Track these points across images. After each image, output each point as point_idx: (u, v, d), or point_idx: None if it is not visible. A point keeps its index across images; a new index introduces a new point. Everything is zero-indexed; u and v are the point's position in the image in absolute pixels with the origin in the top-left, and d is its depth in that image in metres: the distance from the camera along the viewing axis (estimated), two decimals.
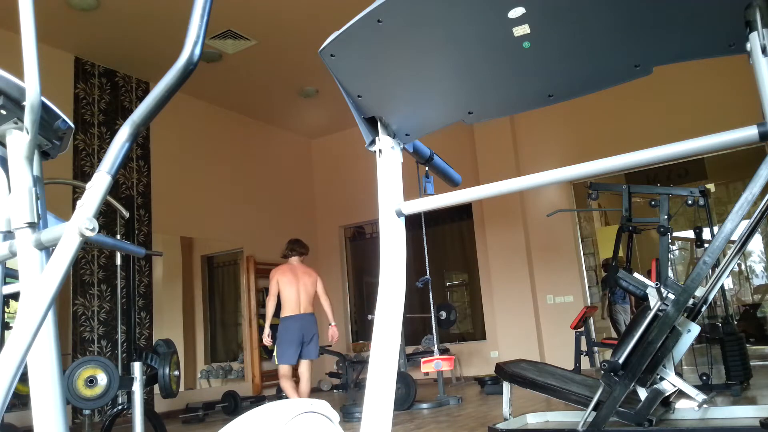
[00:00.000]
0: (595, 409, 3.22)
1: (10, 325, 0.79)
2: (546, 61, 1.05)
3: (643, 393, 3.21)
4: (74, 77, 6.31)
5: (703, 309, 3.38)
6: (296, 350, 4.82)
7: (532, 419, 3.99)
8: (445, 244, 9.04)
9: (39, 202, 0.80)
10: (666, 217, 4.55)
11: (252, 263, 7.94)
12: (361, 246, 9.35)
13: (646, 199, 5.13)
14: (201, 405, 6.38)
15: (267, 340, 4.91)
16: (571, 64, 1.06)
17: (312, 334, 4.92)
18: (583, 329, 6.07)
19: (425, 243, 5.27)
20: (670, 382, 3.21)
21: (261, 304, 8.06)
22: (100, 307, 6.08)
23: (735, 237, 2.97)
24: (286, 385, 4.83)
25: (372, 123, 1.22)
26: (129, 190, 6.63)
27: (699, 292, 3.28)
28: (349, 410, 5.32)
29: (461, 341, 8.48)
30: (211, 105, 7.87)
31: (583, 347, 6.06)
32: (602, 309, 8.26)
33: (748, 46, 0.88)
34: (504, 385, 3.78)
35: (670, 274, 4.62)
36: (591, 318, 6.69)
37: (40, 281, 0.67)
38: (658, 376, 3.21)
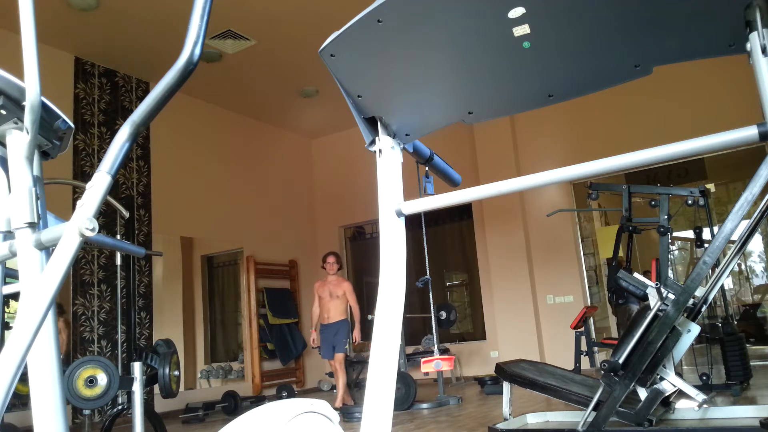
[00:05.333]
0: (595, 409, 3.22)
1: (10, 325, 0.79)
2: (546, 61, 1.05)
3: (643, 393, 3.20)
4: (74, 77, 6.30)
5: (703, 309, 3.38)
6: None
7: (532, 419, 3.99)
8: (445, 244, 9.03)
9: (39, 202, 0.80)
10: (666, 217, 4.55)
11: (252, 263, 7.94)
12: (361, 246, 9.34)
13: (646, 199, 5.12)
14: (201, 405, 6.38)
15: None
16: (571, 64, 1.06)
17: None
18: (583, 329, 6.07)
19: (425, 243, 5.27)
20: (670, 382, 3.21)
21: (261, 304, 8.07)
22: (100, 307, 6.08)
23: (735, 237, 2.97)
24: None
25: (372, 123, 1.22)
26: (129, 190, 6.63)
27: (699, 292, 3.28)
28: (349, 410, 5.31)
29: (461, 341, 8.47)
30: (211, 105, 7.87)
31: (583, 347, 6.06)
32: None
33: (748, 46, 0.88)
34: (504, 385, 3.78)
35: (670, 274, 4.62)
36: (591, 318, 6.69)
37: (40, 281, 0.67)
38: (658, 376, 3.21)
